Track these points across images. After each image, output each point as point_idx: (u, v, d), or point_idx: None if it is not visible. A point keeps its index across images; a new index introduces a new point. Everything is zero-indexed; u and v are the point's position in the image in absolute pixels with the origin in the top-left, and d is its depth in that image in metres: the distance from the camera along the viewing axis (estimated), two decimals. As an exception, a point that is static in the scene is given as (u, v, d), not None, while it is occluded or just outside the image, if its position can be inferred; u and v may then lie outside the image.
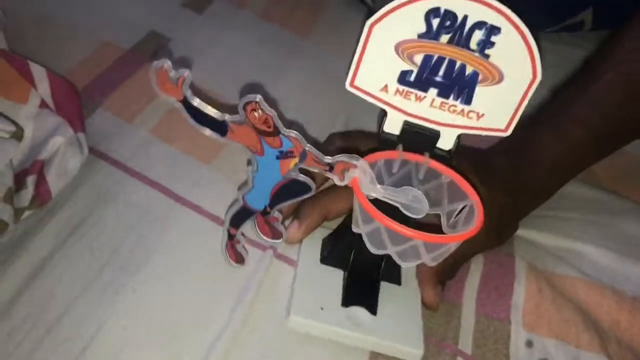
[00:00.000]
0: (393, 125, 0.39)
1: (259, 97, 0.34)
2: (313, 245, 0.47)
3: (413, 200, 0.37)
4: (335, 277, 0.45)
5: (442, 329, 0.46)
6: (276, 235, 0.44)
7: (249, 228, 0.44)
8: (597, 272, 0.50)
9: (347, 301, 0.44)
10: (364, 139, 0.50)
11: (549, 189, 0.53)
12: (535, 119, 0.55)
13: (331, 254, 0.46)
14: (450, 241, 0.37)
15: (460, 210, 0.39)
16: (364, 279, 0.45)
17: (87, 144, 0.49)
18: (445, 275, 0.47)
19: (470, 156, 0.49)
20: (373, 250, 0.38)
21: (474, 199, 0.38)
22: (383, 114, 0.39)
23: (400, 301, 0.45)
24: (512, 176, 0.50)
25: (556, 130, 0.53)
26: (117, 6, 0.65)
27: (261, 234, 0.43)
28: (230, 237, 0.43)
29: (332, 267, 0.46)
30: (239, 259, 0.44)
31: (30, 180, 0.44)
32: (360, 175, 0.37)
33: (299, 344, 0.43)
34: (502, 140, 0.56)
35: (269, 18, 0.69)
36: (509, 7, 0.34)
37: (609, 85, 0.53)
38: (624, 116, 0.53)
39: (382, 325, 0.43)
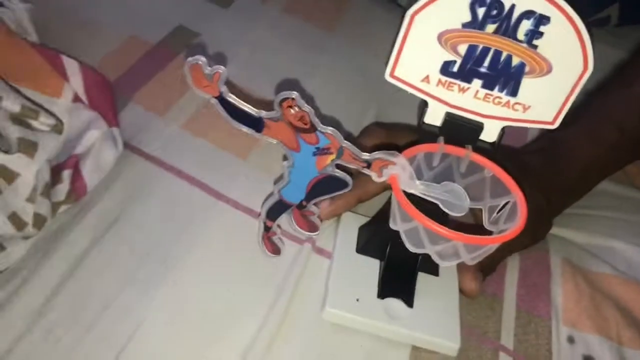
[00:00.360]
0: (434, 117, 0.38)
1: (295, 94, 0.33)
2: (349, 234, 0.46)
3: (454, 197, 0.36)
4: (371, 268, 0.45)
5: (483, 323, 0.45)
6: (312, 228, 0.44)
7: (284, 221, 0.43)
8: (632, 270, 0.50)
9: (383, 293, 0.43)
10: (404, 131, 0.49)
11: (582, 188, 0.53)
12: (569, 120, 0.54)
13: (368, 244, 0.45)
14: (491, 243, 0.36)
15: (503, 206, 0.38)
16: (401, 270, 0.44)
17: (121, 139, 0.49)
18: (485, 268, 0.46)
19: (503, 155, 0.49)
20: (411, 248, 0.37)
21: (517, 194, 0.37)
22: (424, 105, 0.38)
23: (437, 293, 0.45)
24: (545, 175, 0.50)
25: (591, 131, 0.52)
26: (142, 0, 0.64)
27: (297, 227, 0.43)
28: (267, 229, 0.43)
29: (368, 256, 0.45)
30: (275, 250, 0.44)
31: (66, 174, 0.44)
32: (399, 172, 0.36)
33: (340, 338, 0.42)
34: (535, 139, 0.56)
35: (292, 11, 0.68)
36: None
37: None
38: None
39: (418, 318, 0.42)
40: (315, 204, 0.42)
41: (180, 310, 0.42)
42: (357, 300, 0.42)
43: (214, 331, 0.41)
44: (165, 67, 0.57)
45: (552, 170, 0.51)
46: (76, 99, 0.48)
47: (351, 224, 0.47)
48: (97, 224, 0.45)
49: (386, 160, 0.36)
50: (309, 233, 0.44)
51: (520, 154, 0.52)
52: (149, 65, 0.57)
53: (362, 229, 0.47)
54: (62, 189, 0.44)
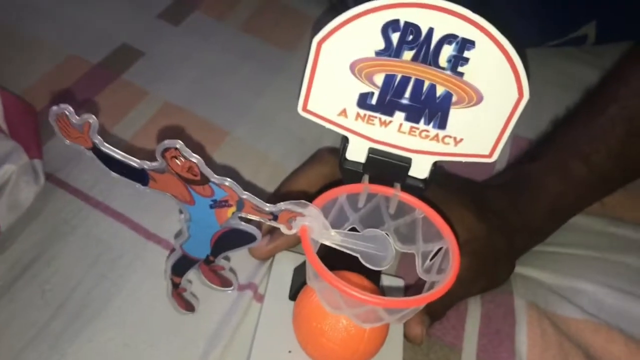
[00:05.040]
0: (357, 153, 0.34)
1: (179, 144, 0.29)
2: (282, 277, 0.42)
3: (377, 247, 0.32)
4: None
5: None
6: (225, 283, 0.40)
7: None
8: (603, 313, 0.45)
9: None
10: None
11: (549, 227, 0.49)
12: (535, 154, 0.51)
13: (301, 289, 0.40)
14: (411, 305, 0.31)
15: (437, 252, 0.33)
16: None
17: (43, 172, 0.45)
18: (433, 312, 0.41)
19: (466, 189, 0.46)
20: (329, 309, 0.33)
21: (449, 240, 0.32)
22: (345, 140, 0.34)
23: None
24: (511, 214, 0.46)
25: (558, 168, 0.49)
26: (86, 16, 0.60)
27: (208, 282, 0.39)
28: (175, 285, 0.38)
29: None
30: (188, 307, 0.40)
31: (-24, 214, 0.41)
32: (311, 223, 0.32)
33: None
34: (500, 173, 0.53)
35: (250, 31, 0.64)
36: (484, 17, 0.28)
37: (612, 121, 0.49)
38: (627, 153, 0.49)
39: None
40: (225, 258, 0.38)
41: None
42: (290, 352, 0.38)
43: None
44: (103, 90, 0.53)
45: (517, 208, 0.47)
46: (-5, 129, 0.45)
47: (285, 265, 0.42)
48: (8, 269, 0.41)
49: (293, 212, 0.32)
50: (223, 288, 0.39)
51: (483, 189, 0.48)
52: (87, 87, 0.53)
53: (297, 270, 0.42)
54: (-29, 230, 0.40)
